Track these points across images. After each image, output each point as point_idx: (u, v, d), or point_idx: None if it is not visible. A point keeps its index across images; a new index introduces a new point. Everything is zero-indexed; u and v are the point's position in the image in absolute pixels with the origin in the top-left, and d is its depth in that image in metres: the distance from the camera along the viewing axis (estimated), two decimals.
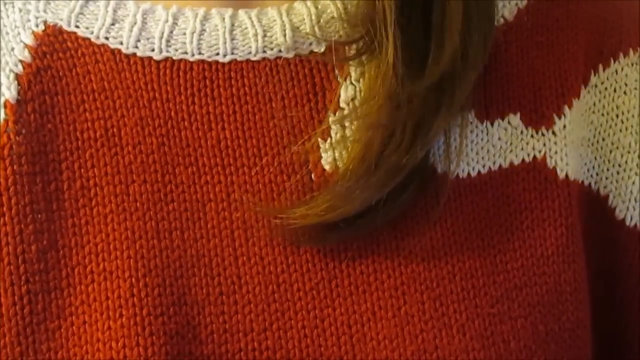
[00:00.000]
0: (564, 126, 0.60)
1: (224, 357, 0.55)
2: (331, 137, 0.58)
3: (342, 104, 0.58)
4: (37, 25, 0.59)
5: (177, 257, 0.56)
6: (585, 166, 0.61)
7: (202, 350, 0.55)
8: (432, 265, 0.57)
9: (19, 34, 0.58)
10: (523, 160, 0.59)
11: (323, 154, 0.57)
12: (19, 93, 0.57)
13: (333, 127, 0.58)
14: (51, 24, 0.59)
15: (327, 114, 0.58)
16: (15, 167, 0.56)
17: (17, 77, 0.57)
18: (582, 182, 0.61)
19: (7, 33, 0.58)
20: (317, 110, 0.58)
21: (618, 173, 0.62)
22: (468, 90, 0.56)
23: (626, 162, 0.62)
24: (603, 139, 0.62)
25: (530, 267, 0.58)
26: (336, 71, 0.58)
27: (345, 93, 0.58)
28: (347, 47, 0.58)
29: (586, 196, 0.61)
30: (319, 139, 0.57)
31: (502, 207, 0.59)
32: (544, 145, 0.60)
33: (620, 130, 0.62)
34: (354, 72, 0.58)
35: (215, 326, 0.55)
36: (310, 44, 0.59)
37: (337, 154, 0.57)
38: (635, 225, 0.62)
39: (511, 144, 0.59)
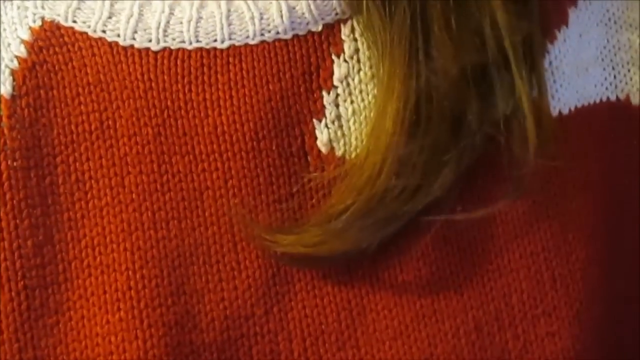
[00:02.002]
0: (550, 62, 0.58)
1: (226, 344, 0.53)
2: (325, 117, 0.56)
3: (335, 82, 0.56)
4: (34, 21, 0.58)
5: (175, 247, 0.54)
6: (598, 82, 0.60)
7: (203, 339, 0.53)
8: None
9: (16, 30, 0.58)
10: None
11: (318, 135, 0.56)
12: (14, 88, 0.57)
13: (327, 106, 0.56)
14: (48, 20, 0.58)
15: (321, 93, 0.56)
16: (9, 162, 0.55)
17: (13, 72, 0.57)
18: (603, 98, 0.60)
19: (5, 30, 0.58)
20: (312, 90, 0.56)
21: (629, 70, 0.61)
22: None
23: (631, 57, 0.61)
24: (604, 47, 0.60)
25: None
26: (331, 49, 0.57)
27: (338, 70, 0.57)
28: (342, 25, 0.57)
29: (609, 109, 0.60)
30: (314, 120, 0.56)
31: None
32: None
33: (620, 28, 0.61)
34: (347, 49, 0.57)
35: (215, 314, 0.54)
36: (307, 23, 0.57)
37: (331, 134, 0.56)
38: None
39: None
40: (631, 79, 0.61)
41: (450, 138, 0.54)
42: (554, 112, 0.58)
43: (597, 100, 0.60)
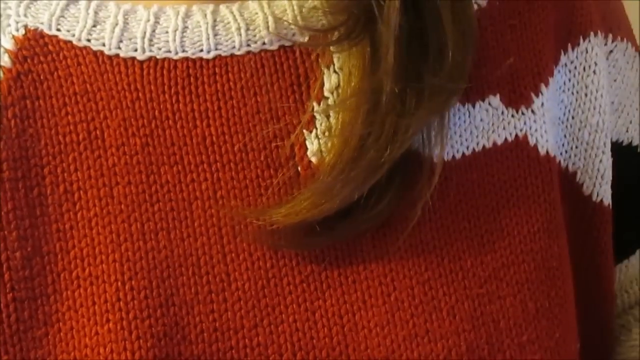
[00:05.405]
0: (542, 104, 0.59)
1: (215, 356, 0.53)
2: (316, 128, 0.56)
3: (326, 93, 0.57)
4: (17, 30, 0.58)
5: (164, 258, 0.54)
6: (557, 144, 0.61)
7: (192, 351, 0.53)
8: (420, 250, 0.56)
9: None
10: (505, 139, 0.59)
11: (309, 146, 0.56)
12: None
13: (318, 117, 0.56)
14: (32, 28, 0.58)
15: (311, 104, 0.56)
16: None
17: None
18: (555, 157, 0.61)
19: None
20: (302, 101, 0.57)
21: (586, 151, 0.62)
22: (453, 84, 0.55)
23: (593, 140, 0.62)
24: (572, 117, 0.61)
25: (517, 245, 0.57)
26: (320, 60, 0.57)
27: (329, 81, 0.57)
28: (329, 35, 0.57)
29: (559, 173, 0.61)
30: (304, 131, 0.56)
31: (487, 187, 0.58)
32: (525, 123, 0.59)
33: (589, 109, 0.61)
34: (337, 60, 0.57)
35: (205, 325, 0.54)
36: (294, 34, 0.58)
37: (322, 145, 0.56)
38: (602, 200, 0.62)
39: (493, 124, 0.58)
40: (585, 159, 0.62)
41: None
42: (542, 151, 0.59)
43: (556, 159, 0.61)
